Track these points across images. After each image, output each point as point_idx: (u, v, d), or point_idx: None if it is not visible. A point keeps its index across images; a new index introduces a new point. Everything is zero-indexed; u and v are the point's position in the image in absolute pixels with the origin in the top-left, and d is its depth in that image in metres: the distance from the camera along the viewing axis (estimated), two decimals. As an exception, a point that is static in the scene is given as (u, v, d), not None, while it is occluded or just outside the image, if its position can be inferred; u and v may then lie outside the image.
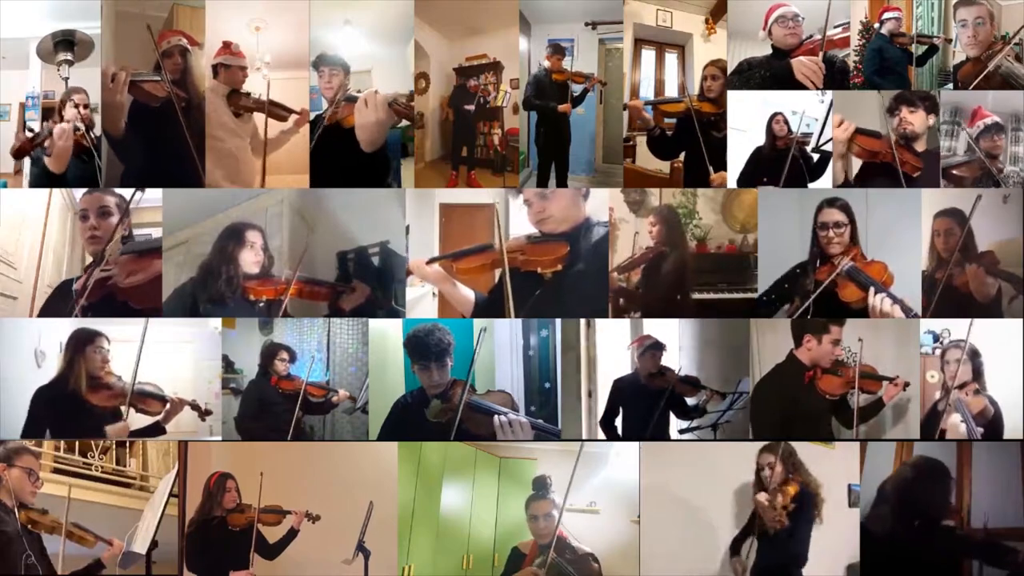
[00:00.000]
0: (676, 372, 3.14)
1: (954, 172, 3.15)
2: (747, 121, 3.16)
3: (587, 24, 3.27)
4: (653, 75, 3.37)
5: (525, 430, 2.85)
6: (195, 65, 3.13)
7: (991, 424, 3.05)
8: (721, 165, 3.15)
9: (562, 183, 3.22)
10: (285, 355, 3.16)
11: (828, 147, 3.14)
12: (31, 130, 3.12)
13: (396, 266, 3.08)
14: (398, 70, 3.17)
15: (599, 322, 3.16)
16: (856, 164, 3.16)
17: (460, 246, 2.96)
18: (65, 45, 3.15)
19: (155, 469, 3.31)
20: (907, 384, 3.04)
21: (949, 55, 3.25)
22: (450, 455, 3.18)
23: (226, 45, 3.13)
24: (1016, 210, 3.12)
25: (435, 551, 3.17)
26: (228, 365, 3.15)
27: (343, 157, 3.10)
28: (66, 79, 3.14)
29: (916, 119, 3.11)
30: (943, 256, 3.08)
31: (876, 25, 3.21)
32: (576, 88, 3.24)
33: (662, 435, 3.14)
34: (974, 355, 3.06)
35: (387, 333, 3.13)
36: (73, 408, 2.99)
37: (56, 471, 3.14)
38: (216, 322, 3.11)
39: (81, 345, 3.01)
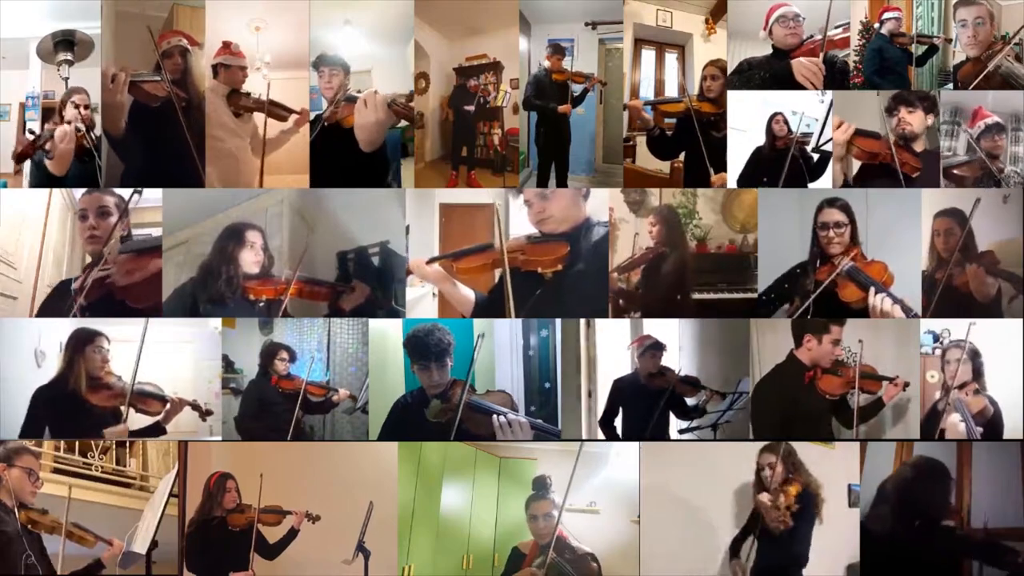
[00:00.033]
0: (676, 372, 3.14)
1: (955, 172, 3.15)
2: (747, 121, 3.16)
3: (587, 24, 3.27)
4: (653, 75, 3.37)
5: (525, 430, 2.85)
6: (195, 65, 3.13)
7: (990, 423, 3.05)
8: (721, 165, 3.15)
9: (562, 183, 3.21)
10: (285, 355, 3.16)
11: (828, 147, 3.14)
12: (32, 132, 3.12)
13: (396, 266, 3.08)
14: (398, 70, 3.17)
15: (599, 322, 3.16)
16: (855, 165, 3.16)
17: (460, 246, 2.96)
18: (65, 45, 3.15)
19: (155, 469, 3.31)
20: (907, 384, 3.04)
21: (949, 55, 3.25)
22: (450, 455, 3.18)
23: (226, 45, 3.13)
24: (1016, 210, 3.12)
25: (435, 551, 3.17)
26: (228, 365, 3.15)
27: (342, 157, 3.10)
28: (66, 79, 3.14)
29: (915, 119, 3.11)
30: (943, 256, 3.08)
31: (876, 25, 3.21)
32: (576, 88, 3.24)
33: (662, 435, 3.14)
34: (974, 355, 3.06)
35: (387, 333, 3.13)
36: (73, 408, 2.99)
37: (56, 471, 3.14)
38: (216, 322, 3.11)
39: (81, 345, 3.01)
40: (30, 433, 3.00)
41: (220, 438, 3.11)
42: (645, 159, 3.26)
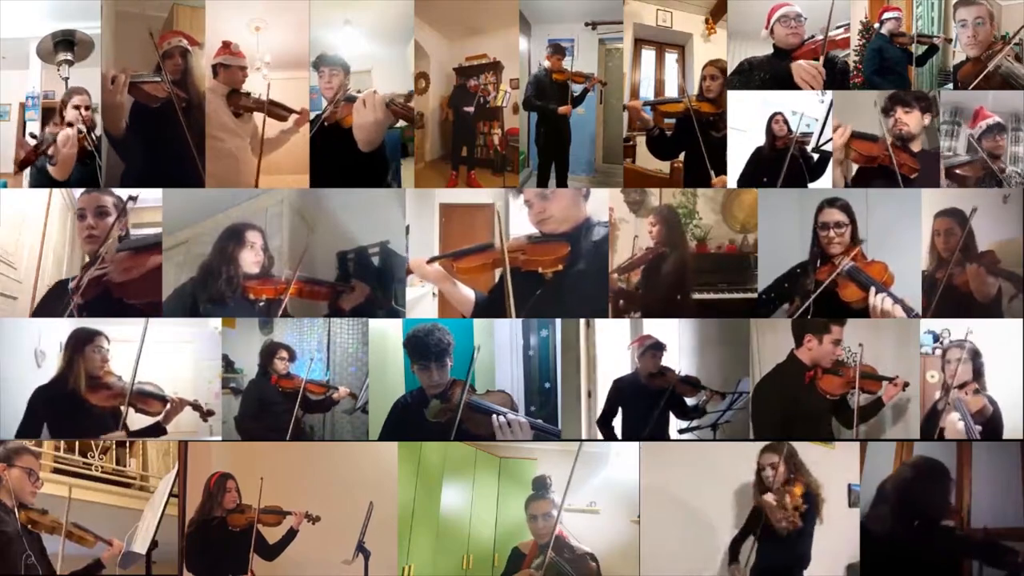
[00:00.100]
0: (676, 372, 3.14)
1: (957, 172, 3.15)
2: (747, 121, 3.16)
3: (587, 24, 3.27)
4: (653, 75, 3.37)
5: (524, 430, 2.85)
6: (195, 65, 3.13)
7: (990, 422, 3.04)
8: (721, 165, 3.15)
9: (562, 183, 3.21)
10: (285, 354, 3.16)
11: (828, 147, 3.14)
12: (33, 136, 3.12)
13: (396, 266, 3.08)
14: (398, 70, 3.17)
15: (599, 322, 3.16)
16: (854, 168, 3.16)
17: (460, 246, 2.96)
18: (65, 45, 3.15)
19: (155, 469, 3.31)
20: (907, 384, 3.04)
21: (949, 55, 3.25)
22: (450, 455, 3.18)
23: (226, 45, 3.13)
24: (1016, 210, 3.12)
25: (435, 551, 3.17)
26: (228, 365, 3.15)
27: (342, 157, 3.10)
28: (66, 79, 3.14)
29: (911, 119, 3.11)
30: (943, 256, 3.08)
31: (876, 25, 3.21)
32: (576, 88, 3.24)
33: (661, 435, 3.14)
34: (975, 355, 3.06)
35: (387, 333, 3.13)
36: (72, 408, 2.99)
37: (56, 471, 3.14)
38: (216, 322, 3.11)
39: (80, 345, 3.01)
40: (27, 433, 2.99)
41: (220, 438, 3.11)
42: (645, 159, 3.26)
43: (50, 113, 3.17)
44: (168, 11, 3.14)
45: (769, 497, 2.98)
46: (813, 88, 3.14)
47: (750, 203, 3.17)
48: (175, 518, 3.05)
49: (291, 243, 3.14)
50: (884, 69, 3.19)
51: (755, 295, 3.11)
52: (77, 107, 3.09)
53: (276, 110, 3.14)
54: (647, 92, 3.34)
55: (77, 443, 3.19)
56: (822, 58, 3.13)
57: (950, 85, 3.21)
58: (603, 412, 3.15)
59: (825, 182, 3.15)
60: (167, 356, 3.11)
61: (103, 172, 3.11)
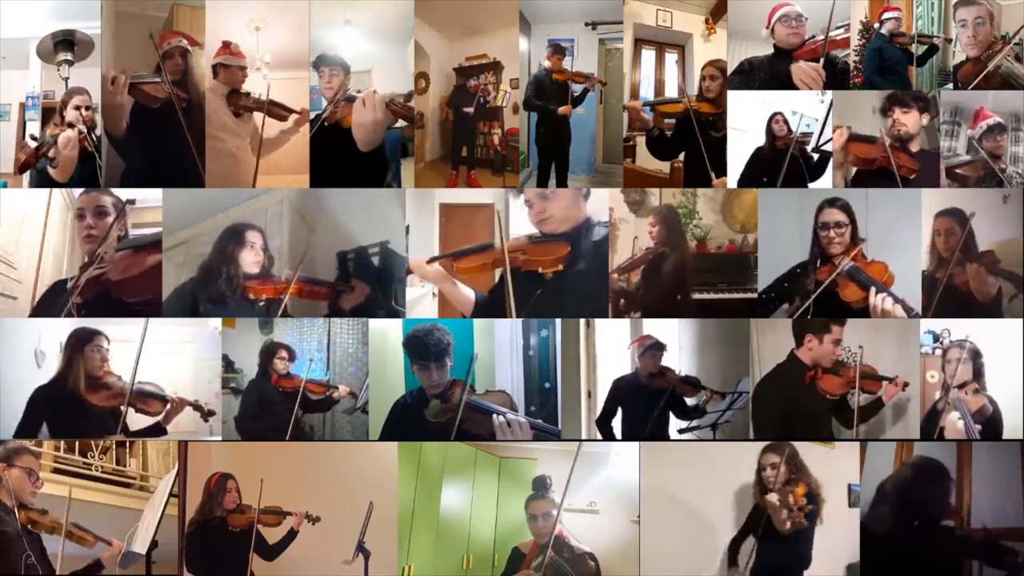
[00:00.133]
0: (676, 372, 3.14)
1: (958, 172, 3.15)
2: (747, 121, 3.16)
3: (587, 24, 3.27)
4: (653, 75, 3.37)
5: (524, 430, 2.85)
6: (195, 65, 3.13)
7: (989, 422, 3.04)
8: (721, 165, 3.14)
9: (562, 183, 3.21)
10: (284, 354, 3.16)
11: (828, 147, 3.14)
12: (33, 137, 3.12)
13: (396, 266, 3.08)
14: (398, 70, 3.17)
15: (599, 322, 3.16)
16: (853, 171, 3.16)
17: (460, 246, 2.95)
18: (65, 45, 3.15)
19: (155, 469, 3.31)
20: (906, 384, 3.04)
21: (949, 55, 3.25)
22: (450, 455, 3.18)
23: (225, 45, 3.13)
24: (1016, 210, 3.12)
25: (435, 551, 3.17)
26: (228, 365, 3.15)
27: (342, 157, 3.10)
28: (66, 79, 3.14)
29: (909, 120, 3.11)
30: (943, 256, 3.08)
31: (876, 25, 3.21)
32: (576, 88, 3.24)
33: (661, 435, 3.14)
34: (975, 355, 3.06)
35: (387, 333, 3.13)
36: (72, 408, 2.99)
37: (56, 471, 3.14)
38: (216, 322, 3.11)
39: (80, 344, 3.01)
40: (25, 433, 2.99)
41: (220, 438, 3.11)
42: (645, 159, 3.26)
43: (50, 113, 3.17)
44: (168, 11, 3.14)
45: (772, 497, 2.97)
46: (813, 89, 3.14)
47: (750, 203, 3.17)
48: (175, 518, 3.05)
49: (291, 243, 3.14)
50: (884, 69, 3.19)
51: (755, 295, 3.11)
52: (78, 107, 3.09)
53: (276, 110, 3.14)
54: (647, 92, 3.34)
55: (77, 443, 3.19)
56: (822, 59, 3.13)
57: (950, 85, 3.21)
58: (602, 412, 3.15)
59: (825, 182, 3.15)
60: (167, 356, 3.11)
61: (103, 172, 3.11)
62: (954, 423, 3.01)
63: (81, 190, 3.07)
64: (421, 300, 3.15)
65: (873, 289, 2.96)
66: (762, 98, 3.17)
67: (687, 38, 3.28)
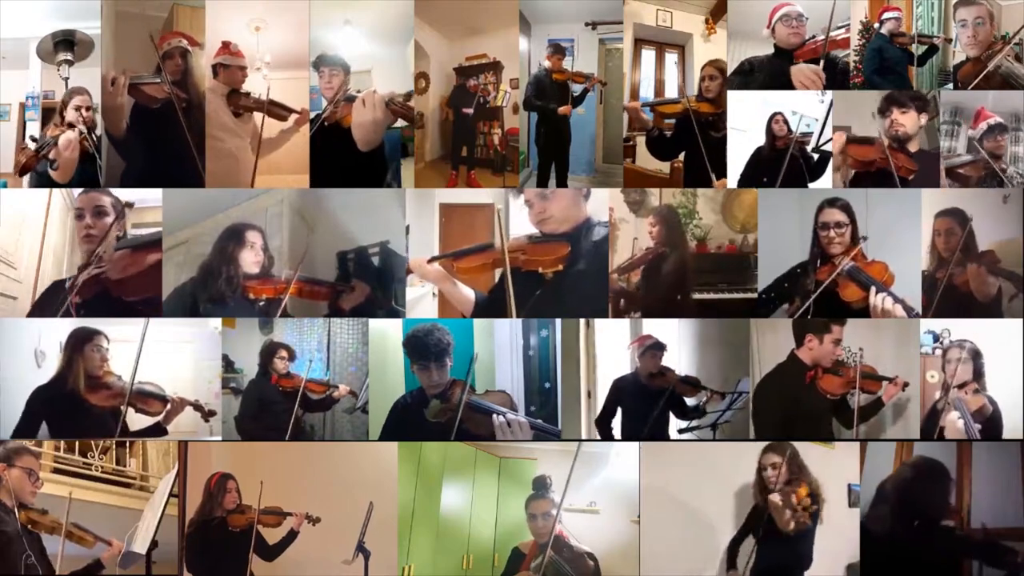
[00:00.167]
0: (676, 372, 3.14)
1: (959, 171, 3.15)
2: (747, 121, 3.16)
3: (587, 24, 3.27)
4: (653, 75, 3.37)
5: (525, 430, 2.85)
6: (195, 66, 3.13)
7: (989, 421, 3.04)
8: (721, 165, 3.14)
9: (562, 183, 3.21)
10: (285, 353, 3.16)
11: (828, 147, 3.14)
12: (33, 139, 3.11)
13: (396, 266, 3.08)
14: (398, 70, 3.17)
15: (599, 322, 3.16)
16: (851, 174, 3.16)
17: (460, 246, 2.96)
18: (65, 45, 3.15)
19: (155, 469, 3.31)
20: (906, 384, 3.04)
21: (949, 55, 3.25)
22: (450, 455, 3.18)
23: (225, 45, 3.13)
24: (1016, 210, 3.12)
25: (435, 551, 3.17)
26: (228, 365, 3.15)
27: (342, 157, 3.10)
28: (66, 79, 3.14)
29: (907, 120, 3.10)
30: (944, 256, 3.08)
31: (876, 25, 3.21)
32: (576, 88, 3.24)
33: (661, 435, 3.14)
34: (976, 355, 3.06)
35: (387, 333, 3.13)
36: (72, 408, 2.99)
37: (56, 471, 3.14)
38: (216, 322, 3.11)
39: (80, 344, 3.01)
40: (24, 433, 2.99)
41: (220, 438, 3.11)
42: (645, 159, 3.26)
43: (50, 113, 3.17)
44: (168, 11, 3.14)
45: (776, 497, 2.97)
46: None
47: (750, 203, 3.17)
48: (175, 518, 3.05)
49: (291, 243, 3.14)
50: (884, 69, 3.19)
51: (755, 295, 3.11)
52: (78, 107, 3.09)
53: (276, 110, 3.14)
54: (647, 92, 3.34)
55: (77, 443, 3.19)
56: (822, 61, 3.13)
57: (950, 85, 3.21)
58: (602, 412, 3.15)
59: (825, 182, 3.15)
60: (167, 356, 3.11)
61: (103, 172, 3.11)
62: (954, 423, 3.01)
63: (80, 190, 3.07)
64: (421, 300, 3.15)
65: (873, 289, 2.96)
66: (762, 98, 3.17)
67: (687, 38, 3.28)
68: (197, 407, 3.07)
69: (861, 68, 3.21)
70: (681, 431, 3.16)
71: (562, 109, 3.23)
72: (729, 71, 3.16)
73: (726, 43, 3.19)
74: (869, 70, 3.20)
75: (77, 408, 2.99)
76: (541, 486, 3.06)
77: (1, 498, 2.86)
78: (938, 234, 3.10)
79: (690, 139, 3.16)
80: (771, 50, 3.18)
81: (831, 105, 3.13)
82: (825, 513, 3.03)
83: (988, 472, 3.07)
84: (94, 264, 2.98)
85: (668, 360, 3.14)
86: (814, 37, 3.16)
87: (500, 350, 3.23)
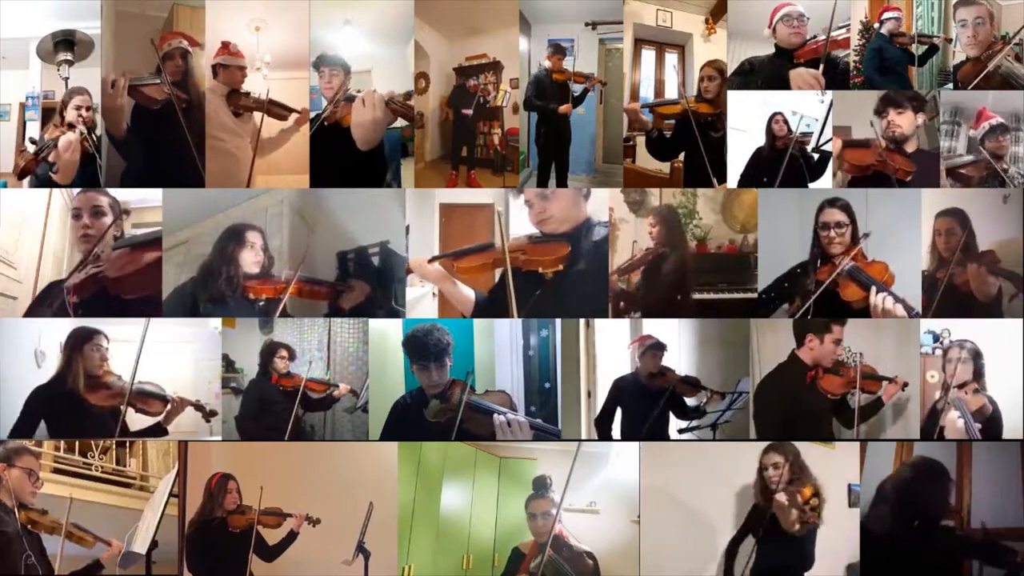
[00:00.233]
0: (676, 372, 3.14)
1: (961, 172, 3.15)
2: (747, 121, 3.16)
3: (587, 24, 3.27)
4: (653, 75, 3.37)
5: (525, 430, 2.85)
6: (196, 66, 3.13)
7: (989, 421, 3.04)
8: (720, 165, 3.14)
9: (562, 183, 3.21)
10: (285, 353, 3.16)
11: (828, 147, 3.14)
12: (33, 141, 3.11)
13: (396, 266, 3.08)
14: (398, 70, 3.17)
15: (599, 322, 3.16)
16: (848, 178, 3.16)
17: (460, 246, 2.96)
18: (65, 45, 3.15)
19: (155, 469, 3.31)
20: (906, 384, 3.04)
21: (949, 55, 3.25)
22: (450, 455, 3.18)
23: (225, 45, 3.13)
24: (1016, 210, 3.12)
25: (435, 551, 3.17)
26: (228, 364, 3.15)
27: (342, 157, 3.10)
28: (66, 79, 3.14)
29: (904, 120, 3.10)
30: (944, 256, 3.08)
31: (876, 25, 3.21)
32: (576, 88, 3.24)
33: (661, 435, 3.14)
34: (976, 355, 3.06)
35: (387, 333, 3.13)
36: (71, 407, 2.99)
37: (56, 471, 3.14)
38: (216, 322, 3.11)
39: (79, 344, 3.01)
40: (21, 433, 2.98)
41: (220, 438, 3.11)
42: (645, 159, 3.26)
43: (50, 113, 3.17)
44: (168, 11, 3.15)
45: (781, 497, 2.97)
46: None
47: (750, 203, 3.17)
48: (175, 518, 3.05)
49: (291, 243, 3.14)
50: (884, 69, 3.19)
51: (755, 295, 3.11)
52: (78, 108, 3.09)
53: (276, 110, 3.15)
54: (647, 92, 3.34)
55: (77, 443, 3.19)
56: (823, 64, 3.12)
57: (950, 85, 3.20)
58: (602, 412, 3.15)
59: (825, 182, 3.15)
60: (167, 356, 3.11)
61: (103, 172, 3.11)
62: (954, 423, 3.01)
63: (78, 190, 3.07)
64: (421, 300, 3.15)
65: (874, 289, 2.96)
66: (762, 98, 3.17)
67: (687, 38, 3.28)
68: (198, 407, 3.07)
69: (861, 68, 3.21)
70: (681, 431, 3.16)
71: (562, 109, 3.23)
72: (729, 71, 3.16)
73: (726, 43, 3.19)
74: (869, 70, 3.20)
75: (77, 408, 2.99)
76: (541, 486, 3.06)
77: (1, 498, 2.86)
78: (938, 234, 3.10)
79: (689, 139, 3.16)
80: (771, 50, 3.18)
81: (831, 105, 3.13)
82: (825, 513, 3.03)
83: (988, 472, 3.07)
84: (91, 263, 2.98)
85: (668, 360, 3.14)
86: (815, 37, 3.16)
87: (500, 350, 3.23)
